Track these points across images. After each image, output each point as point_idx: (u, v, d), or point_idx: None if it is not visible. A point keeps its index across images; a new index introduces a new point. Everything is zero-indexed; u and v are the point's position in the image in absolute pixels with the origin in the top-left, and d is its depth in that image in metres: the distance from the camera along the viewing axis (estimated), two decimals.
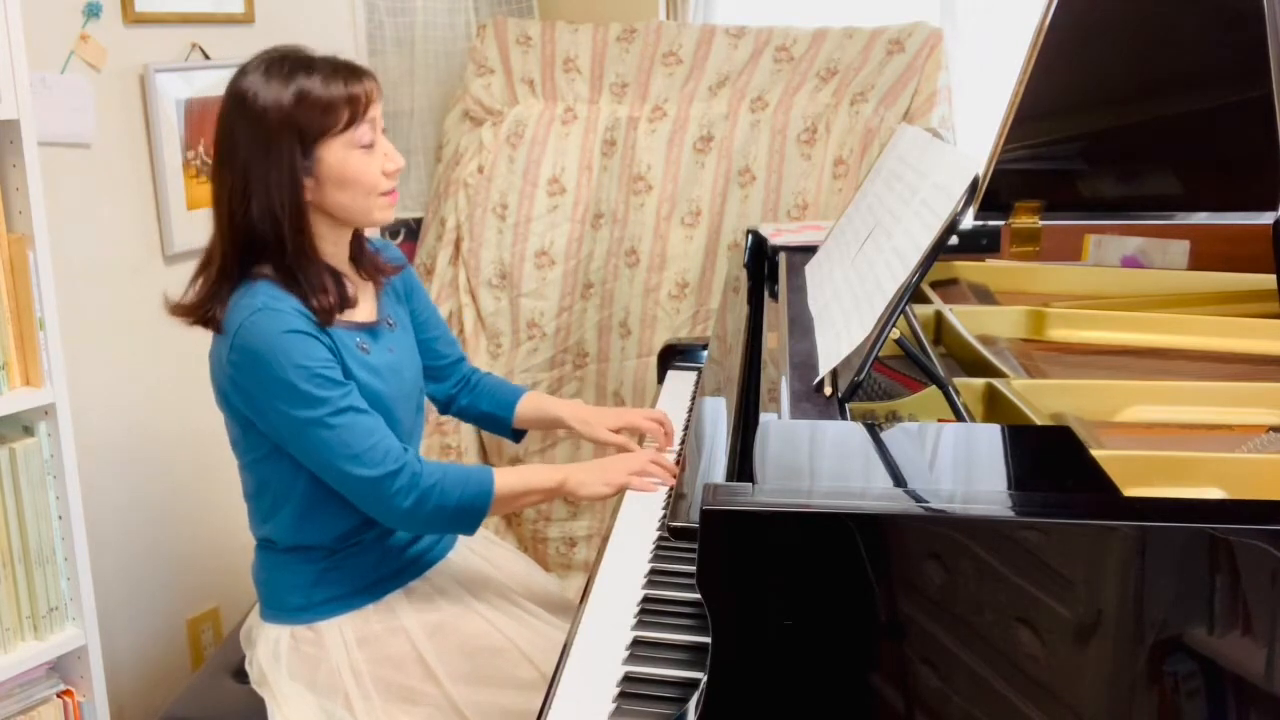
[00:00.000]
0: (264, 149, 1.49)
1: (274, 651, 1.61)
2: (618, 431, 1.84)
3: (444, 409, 1.91)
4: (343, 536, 1.61)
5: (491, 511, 1.57)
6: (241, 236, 1.52)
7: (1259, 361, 1.59)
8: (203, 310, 1.55)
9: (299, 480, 1.57)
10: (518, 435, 1.93)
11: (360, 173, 1.53)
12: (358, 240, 1.67)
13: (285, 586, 1.63)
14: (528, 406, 1.87)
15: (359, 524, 1.61)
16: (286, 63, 1.51)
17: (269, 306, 1.49)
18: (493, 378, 1.91)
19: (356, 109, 1.51)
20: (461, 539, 1.78)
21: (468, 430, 2.86)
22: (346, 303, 1.57)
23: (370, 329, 1.62)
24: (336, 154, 1.51)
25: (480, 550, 1.80)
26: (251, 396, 1.50)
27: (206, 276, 1.56)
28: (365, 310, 1.64)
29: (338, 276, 1.58)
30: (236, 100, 1.51)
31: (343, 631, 1.60)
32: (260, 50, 1.55)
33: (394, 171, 1.57)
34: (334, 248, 1.60)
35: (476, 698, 1.58)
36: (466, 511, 1.55)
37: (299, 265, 1.52)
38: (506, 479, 1.58)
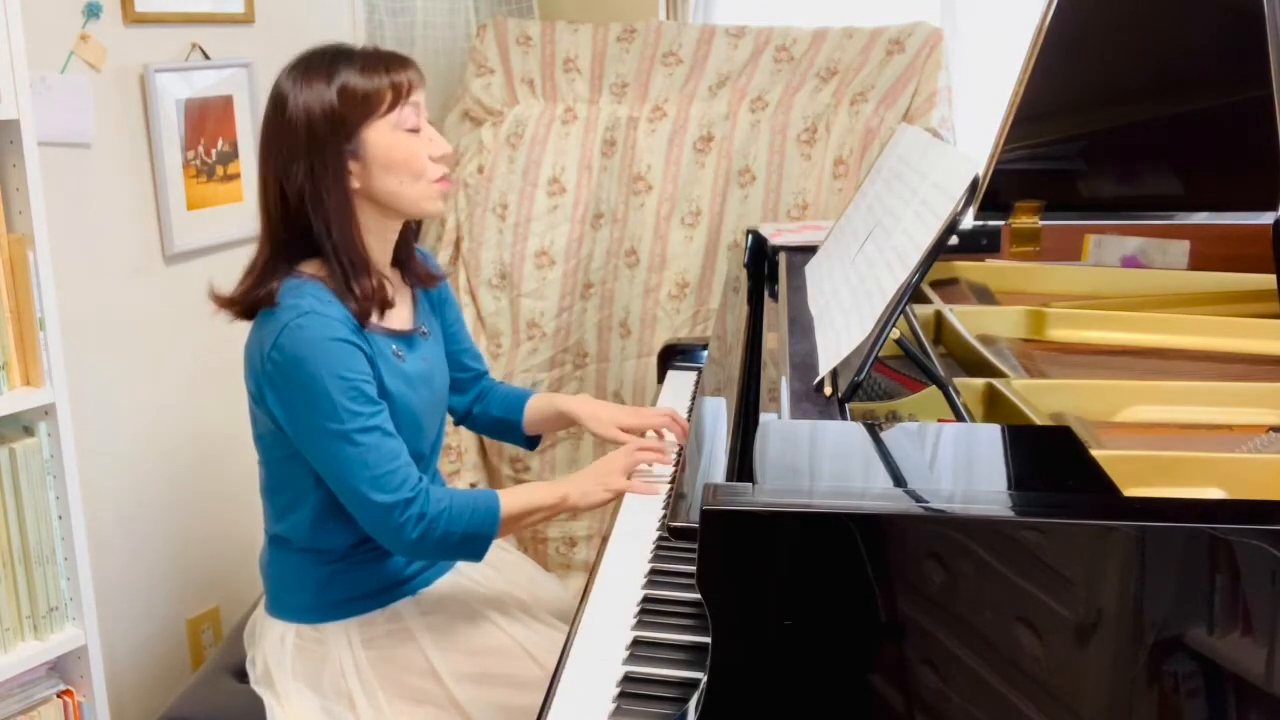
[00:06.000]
0: (310, 145, 1.49)
1: (279, 648, 1.61)
2: (629, 433, 1.82)
3: (460, 420, 1.91)
4: (357, 544, 1.61)
5: (499, 535, 1.57)
6: (289, 233, 1.53)
7: (1259, 361, 1.59)
8: (245, 305, 1.54)
9: (321, 485, 1.56)
10: (531, 442, 1.91)
11: (408, 155, 1.53)
12: (406, 243, 1.67)
13: (295, 585, 1.63)
14: (536, 406, 1.86)
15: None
16: (326, 57, 1.52)
17: (316, 311, 1.48)
18: (504, 385, 1.91)
19: (399, 93, 1.52)
20: None
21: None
22: (386, 304, 1.57)
23: (406, 337, 1.62)
24: (383, 136, 1.52)
25: (488, 558, 1.80)
26: (285, 397, 1.50)
27: (252, 272, 1.56)
28: (402, 317, 1.64)
29: (379, 277, 1.58)
30: (279, 103, 1.52)
31: (348, 632, 1.60)
32: (300, 52, 1.56)
33: (441, 157, 1.57)
34: (380, 243, 1.60)
35: (480, 697, 1.58)
36: (472, 540, 1.55)
37: (347, 260, 1.52)
38: (510, 501, 1.57)
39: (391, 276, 1.65)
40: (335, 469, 1.49)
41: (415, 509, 1.49)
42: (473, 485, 2.88)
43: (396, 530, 1.49)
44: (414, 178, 1.55)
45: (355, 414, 1.47)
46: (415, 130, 1.54)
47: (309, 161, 1.49)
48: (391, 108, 1.52)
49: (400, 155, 1.53)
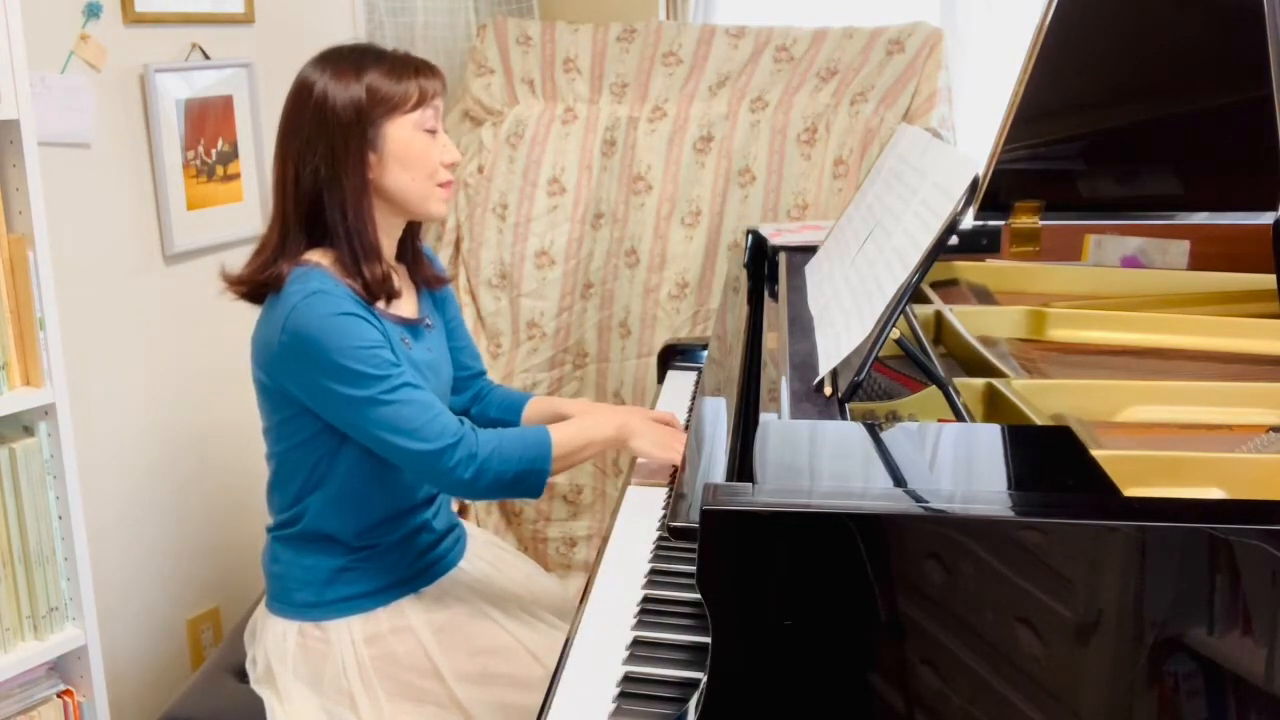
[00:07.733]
0: (334, 130, 1.53)
1: (281, 647, 1.61)
2: None
3: None
4: (365, 532, 1.62)
5: (554, 471, 1.58)
6: (301, 217, 1.56)
7: (1259, 361, 1.59)
8: (255, 284, 1.57)
9: (334, 470, 1.58)
10: None
11: (423, 154, 1.58)
12: (412, 241, 1.71)
13: (297, 581, 1.63)
14: (536, 409, 1.86)
15: (383, 520, 1.62)
16: (356, 52, 1.58)
17: (322, 291, 1.51)
18: (502, 388, 1.92)
19: (424, 96, 1.57)
20: (470, 548, 1.79)
21: None
22: (391, 291, 1.60)
23: (412, 326, 1.65)
24: (403, 132, 1.56)
25: (488, 557, 1.81)
26: (304, 377, 1.51)
27: (263, 252, 1.59)
28: (408, 307, 1.67)
29: (387, 266, 1.61)
30: (304, 89, 1.56)
31: (351, 630, 1.60)
32: (326, 47, 1.60)
33: (451, 164, 1.62)
34: (385, 239, 1.62)
35: (481, 696, 1.58)
36: (526, 475, 1.56)
37: (359, 243, 1.56)
38: (563, 435, 1.59)
39: (397, 269, 1.67)
40: (373, 432, 1.51)
41: (463, 451, 1.51)
42: None
43: (448, 474, 1.51)
44: (426, 177, 1.59)
45: (379, 378, 1.49)
46: (432, 132, 1.59)
47: (330, 144, 1.53)
48: (415, 107, 1.56)
49: (416, 153, 1.57)
